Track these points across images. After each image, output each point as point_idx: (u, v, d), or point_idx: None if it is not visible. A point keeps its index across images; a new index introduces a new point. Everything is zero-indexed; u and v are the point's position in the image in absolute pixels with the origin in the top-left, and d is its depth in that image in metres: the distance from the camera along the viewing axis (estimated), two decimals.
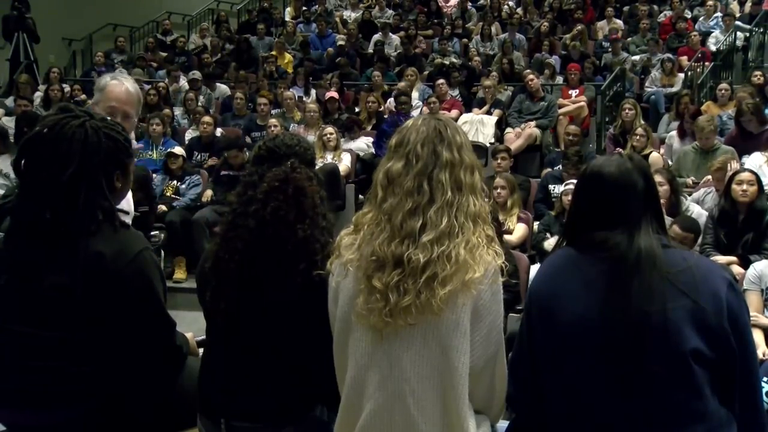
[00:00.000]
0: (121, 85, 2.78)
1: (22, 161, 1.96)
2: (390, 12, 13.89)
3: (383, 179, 1.80)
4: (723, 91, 8.08)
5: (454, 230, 1.73)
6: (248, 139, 8.07)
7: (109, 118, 2.71)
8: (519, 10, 13.45)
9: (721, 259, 4.83)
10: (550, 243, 5.43)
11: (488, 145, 8.19)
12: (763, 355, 3.78)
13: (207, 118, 8.12)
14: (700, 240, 5.18)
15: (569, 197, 5.56)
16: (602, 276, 1.73)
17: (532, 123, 8.47)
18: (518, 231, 5.87)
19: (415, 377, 1.72)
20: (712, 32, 11.07)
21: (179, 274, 6.54)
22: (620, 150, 6.79)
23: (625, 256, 1.71)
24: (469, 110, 9.04)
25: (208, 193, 7.03)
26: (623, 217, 1.77)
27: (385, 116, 8.81)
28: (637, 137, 6.80)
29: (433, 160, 1.78)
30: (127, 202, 2.72)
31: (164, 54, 12.86)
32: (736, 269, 4.66)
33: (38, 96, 9.88)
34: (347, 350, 1.81)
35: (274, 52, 11.97)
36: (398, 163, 1.79)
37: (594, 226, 1.80)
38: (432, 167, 1.77)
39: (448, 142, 1.81)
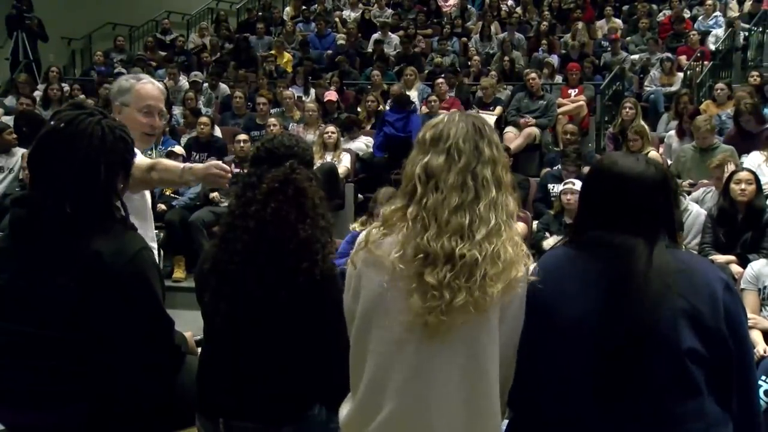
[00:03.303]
0: (150, 83, 2.82)
1: (38, 156, 1.96)
2: (389, 11, 13.88)
3: (422, 173, 1.74)
4: (719, 91, 8.09)
5: (500, 228, 1.72)
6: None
7: (144, 119, 2.75)
8: (518, 10, 13.45)
9: (720, 258, 4.83)
10: (549, 242, 5.43)
11: None
12: (765, 352, 3.78)
13: (204, 119, 8.13)
14: (699, 239, 5.20)
15: (568, 196, 5.60)
16: (602, 276, 1.73)
17: (532, 120, 8.46)
18: (518, 230, 5.86)
19: (442, 379, 1.68)
20: (711, 31, 11.08)
21: (178, 273, 6.55)
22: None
23: (628, 258, 1.70)
24: (468, 109, 9.05)
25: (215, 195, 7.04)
26: (635, 220, 1.74)
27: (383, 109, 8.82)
28: (631, 142, 6.78)
29: (476, 156, 1.75)
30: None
31: (163, 53, 12.85)
32: (735, 268, 4.67)
33: (37, 95, 9.87)
34: (367, 348, 1.76)
35: (273, 52, 11.98)
36: (439, 158, 1.74)
37: (599, 224, 1.79)
38: (475, 163, 1.74)
39: (488, 140, 1.79)
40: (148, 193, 2.87)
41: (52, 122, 1.97)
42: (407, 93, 9.19)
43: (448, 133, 1.77)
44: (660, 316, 1.65)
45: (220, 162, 2.67)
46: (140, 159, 2.69)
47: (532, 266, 1.77)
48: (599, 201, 1.82)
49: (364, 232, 1.83)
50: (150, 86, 2.81)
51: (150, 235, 2.89)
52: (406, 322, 1.69)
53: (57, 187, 1.91)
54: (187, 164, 2.72)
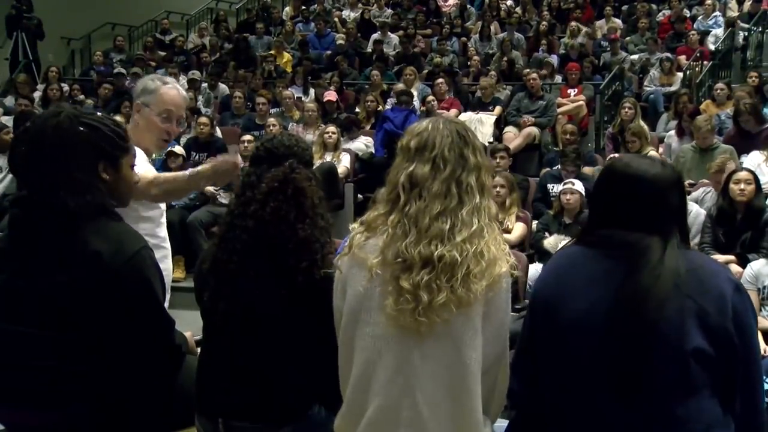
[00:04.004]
0: (175, 89, 2.83)
1: (13, 159, 1.98)
2: (389, 11, 13.89)
3: (406, 182, 1.78)
4: (719, 91, 8.09)
5: (482, 230, 1.75)
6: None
7: (162, 124, 2.76)
8: (518, 10, 13.46)
9: (720, 258, 4.83)
10: (549, 242, 5.42)
11: (487, 144, 8.20)
12: (765, 352, 3.78)
13: (203, 119, 8.13)
14: (698, 239, 5.19)
15: (568, 196, 5.60)
16: (611, 273, 1.73)
17: (530, 119, 8.46)
18: (517, 230, 5.87)
19: (425, 374, 1.71)
20: (711, 31, 11.08)
21: (178, 273, 6.53)
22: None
23: (642, 256, 1.70)
24: (467, 109, 9.05)
25: (209, 188, 7.06)
26: (649, 220, 1.75)
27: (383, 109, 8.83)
28: (629, 143, 6.77)
29: (461, 164, 1.79)
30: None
31: (163, 53, 12.84)
32: (735, 268, 4.66)
33: (37, 95, 9.87)
34: (354, 346, 1.80)
35: (272, 52, 11.97)
36: (424, 167, 1.78)
37: (612, 223, 1.79)
38: (460, 171, 1.78)
39: (473, 146, 1.82)
40: None
41: (22, 127, 2.00)
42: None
43: (433, 142, 1.80)
44: (664, 316, 1.64)
45: (224, 156, 2.67)
46: (145, 171, 2.67)
47: (538, 266, 1.80)
48: (612, 201, 1.82)
49: (348, 238, 1.86)
50: (174, 92, 2.82)
51: (162, 235, 2.89)
52: (385, 323, 1.73)
53: (38, 185, 1.91)
54: (191, 169, 2.72)
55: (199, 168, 2.68)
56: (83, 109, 2.05)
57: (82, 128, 1.94)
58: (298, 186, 2.05)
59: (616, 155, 6.84)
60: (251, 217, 2.03)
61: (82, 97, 10.00)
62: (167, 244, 2.89)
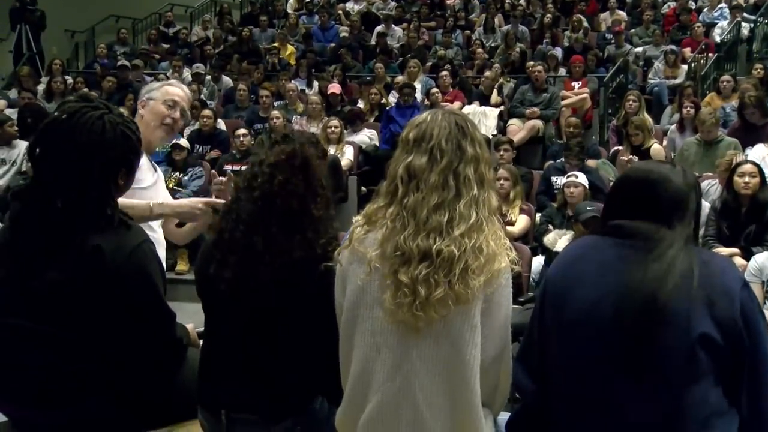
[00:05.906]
0: (179, 87, 3.03)
1: (38, 147, 1.94)
2: (393, 4, 13.85)
3: (404, 174, 1.77)
4: (725, 83, 8.06)
5: (481, 224, 1.74)
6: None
7: (167, 110, 2.83)
8: (522, 2, 13.41)
9: (724, 251, 4.82)
10: (548, 238, 5.40)
11: (491, 137, 8.19)
12: None
13: (206, 112, 8.14)
14: (702, 232, 5.19)
15: (571, 189, 5.59)
16: (621, 261, 1.74)
17: (537, 110, 8.44)
18: (520, 223, 5.87)
19: (424, 371, 1.71)
20: (717, 23, 11.02)
21: (181, 266, 6.56)
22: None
23: (658, 244, 1.71)
24: (470, 102, 9.04)
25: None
26: (666, 218, 1.77)
27: (387, 108, 8.81)
28: (632, 137, 6.75)
29: (458, 156, 1.77)
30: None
31: (167, 46, 12.84)
32: (739, 261, 4.65)
33: (41, 88, 9.88)
34: (353, 341, 1.80)
35: (276, 44, 11.96)
36: (421, 159, 1.77)
37: (627, 217, 1.81)
38: (457, 163, 1.77)
39: (471, 138, 1.81)
40: (161, 183, 2.94)
41: (56, 113, 1.97)
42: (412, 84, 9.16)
43: (430, 133, 1.79)
44: (673, 302, 1.65)
45: (192, 200, 2.80)
46: None
47: (541, 259, 1.80)
48: (630, 204, 1.84)
49: (348, 231, 1.86)
50: (177, 88, 2.99)
51: (154, 224, 2.92)
52: (384, 318, 1.73)
53: (51, 179, 1.90)
54: (154, 202, 2.72)
55: (166, 205, 2.74)
56: (115, 110, 2.02)
57: (120, 138, 1.95)
58: (305, 156, 2.04)
59: (621, 152, 6.83)
60: (258, 188, 2.02)
61: (85, 90, 9.99)
62: (160, 233, 2.91)
